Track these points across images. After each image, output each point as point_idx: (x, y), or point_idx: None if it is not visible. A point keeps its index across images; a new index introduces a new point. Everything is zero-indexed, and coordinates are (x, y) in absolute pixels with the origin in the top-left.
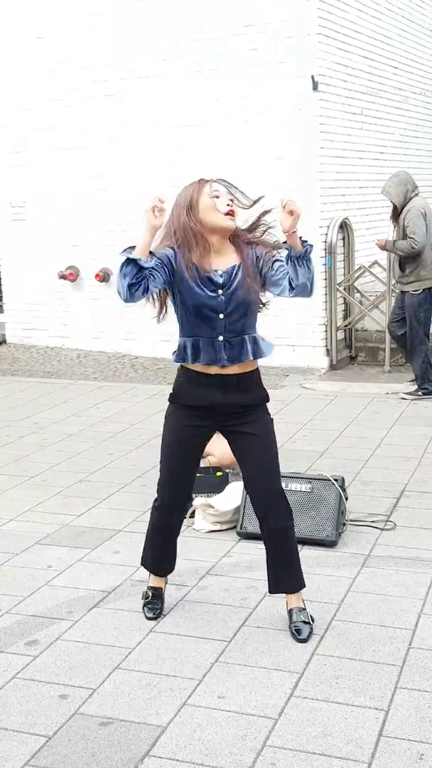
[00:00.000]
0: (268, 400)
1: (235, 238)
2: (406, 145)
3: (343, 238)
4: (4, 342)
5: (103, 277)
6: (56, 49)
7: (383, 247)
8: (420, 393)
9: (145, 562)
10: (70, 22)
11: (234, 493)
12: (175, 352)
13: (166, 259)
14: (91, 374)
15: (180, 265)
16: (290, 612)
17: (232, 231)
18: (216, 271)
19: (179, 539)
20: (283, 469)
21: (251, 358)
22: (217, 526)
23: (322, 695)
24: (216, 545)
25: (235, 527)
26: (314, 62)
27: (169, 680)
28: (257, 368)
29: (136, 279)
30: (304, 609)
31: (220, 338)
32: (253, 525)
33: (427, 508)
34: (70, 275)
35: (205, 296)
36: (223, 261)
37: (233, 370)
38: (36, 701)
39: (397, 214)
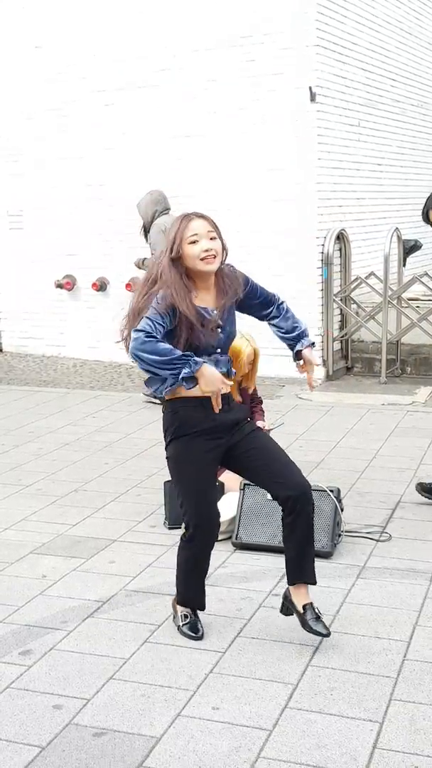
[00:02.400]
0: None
1: (222, 274)
2: (403, 157)
3: (340, 249)
4: (0, 350)
5: (100, 286)
6: (54, 59)
7: (137, 265)
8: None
9: (186, 602)
10: (68, 32)
11: (229, 504)
12: (163, 387)
13: (168, 317)
14: (87, 383)
15: (178, 313)
16: (305, 608)
17: (206, 275)
18: (207, 308)
19: (173, 550)
20: None
21: (230, 373)
22: None
23: (316, 707)
24: (211, 556)
25: (230, 538)
26: (312, 74)
27: (164, 691)
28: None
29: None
30: (313, 604)
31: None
32: (248, 536)
33: (422, 519)
34: (67, 284)
35: (208, 336)
36: (207, 299)
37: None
38: (30, 711)
39: (147, 231)
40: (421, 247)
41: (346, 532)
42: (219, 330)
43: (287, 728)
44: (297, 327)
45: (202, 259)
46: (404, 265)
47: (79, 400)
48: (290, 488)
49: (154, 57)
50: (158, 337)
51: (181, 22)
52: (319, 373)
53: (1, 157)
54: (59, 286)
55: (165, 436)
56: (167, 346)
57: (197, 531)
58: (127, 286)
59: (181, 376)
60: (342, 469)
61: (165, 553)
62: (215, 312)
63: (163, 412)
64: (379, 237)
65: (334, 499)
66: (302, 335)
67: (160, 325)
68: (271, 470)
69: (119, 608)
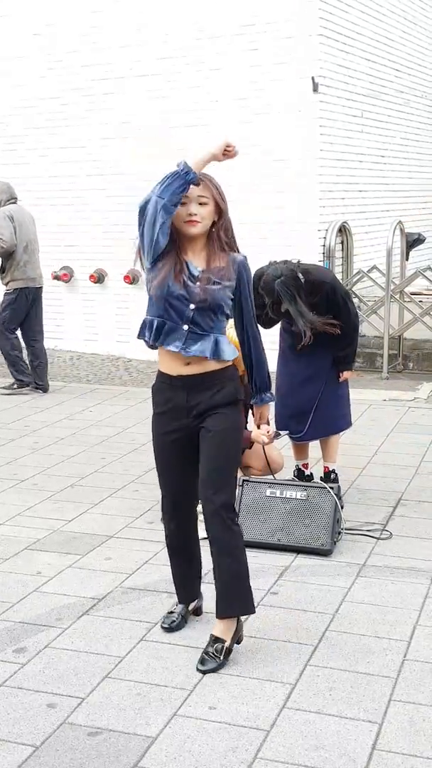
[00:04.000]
0: (234, 403)
1: (219, 240)
2: (407, 149)
3: (342, 242)
4: None
5: (98, 278)
6: (54, 47)
7: None
8: (15, 386)
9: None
10: (69, 19)
11: None
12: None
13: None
14: (84, 377)
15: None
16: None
17: (195, 237)
18: (192, 263)
19: None
20: (279, 476)
21: (210, 355)
22: None
23: (314, 707)
24: (210, 553)
25: None
26: (315, 63)
27: (160, 690)
28: (225, 368)
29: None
30: (222, 641)
31: (185, 327)
32: (247, 532)
33: (423, 517)
34: (64, 276)
35: (179, 284)
36: (197, 260)
37: (193, 370)
38: (23, 710)
39: None
40: (424, 240)
41: (347, 529)
42: (197, 284)
43: (285, 729)
44: (256, 380)
45: (185, 222)
46: (407, 258)
47: (75, 394)
48: (214, 499)
49: (155, 45)
50: None
51: (184, 10)
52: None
53: (0, 146)
54: (56, 277)
55: None
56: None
57: (162, 511)
58: (126, 278)
59: (180, 171)
60: (342, 465)
61: (162, 550)
62: (203, 272)
63: None
64: (381, 230)
65: (335, 496)
66: (264, 388)
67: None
68: (204, 469)
69: (115, 605)
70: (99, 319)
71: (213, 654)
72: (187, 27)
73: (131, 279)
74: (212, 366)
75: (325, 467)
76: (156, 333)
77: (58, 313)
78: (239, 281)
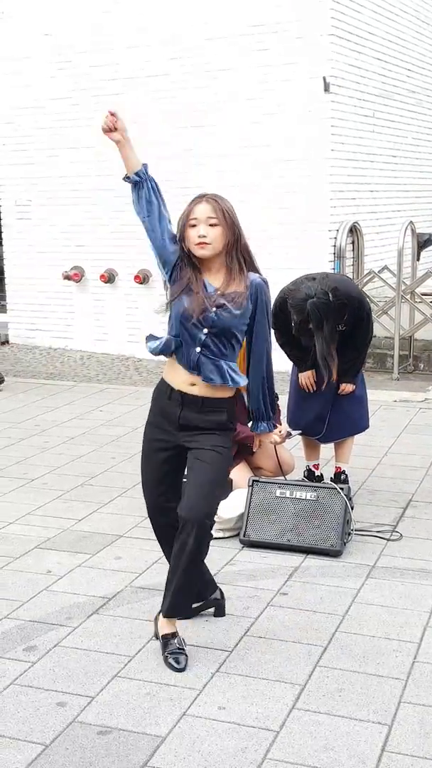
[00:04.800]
0: (226, 429)
1: (235, 261)
2: (418, 149)
3: (353, 243)
4: (7, 342)
5: (108, 278)
6: (64, 47)
7: None
8: None
9: None
10: (78, 19)
11: (237, 501)
12: (156, 345)
13: (171, 238)
14: (95, 376)
15: (179, 268)
16: (164, 638)
17: (205, 260)
18: (209, 283)
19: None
20: (289, 477)
21: (219, 381)
22: (220, 534)
23: (324, 708)
24: (219, 553)
25: (237, 535)
26: (326, 63)
27: (169, 690)
28: (229, 398)
29: (139, 193)
30: (176, 635)
31: (197, 350)
32: (256, 533)
33: None
34: (75, 276)
35: (195, 307)
36: (217, 280)
37: (198, 391)
38: (33, 708)
39: None
40: None
41: (356, 530)
42: (214, 308)
43: (294, 729)
44: (250, 406)
45: (196, 245)
46: (418, 259)
47: (85, 394)
48: (183, 508)
49: (165, 45)
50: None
51: (193, 9)
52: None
53: (10, 146)
54: (67, 277)
55: None
56: None
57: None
58: (136, 278)
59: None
60: (352, 466)
61: None
62: (218, 294)
63: None
64: (392, 230)
65: (345, 497)
66: (260, 417)
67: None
68: (187, 485)
69: (125, 605)
70: (109, 319)
71: (179, 649)
72: (196, 27)
73: (141, 279)
74: (218, 393)
75: (336, 467)
76: (173, 348)
77: (68, 312)
78: (255, 305)
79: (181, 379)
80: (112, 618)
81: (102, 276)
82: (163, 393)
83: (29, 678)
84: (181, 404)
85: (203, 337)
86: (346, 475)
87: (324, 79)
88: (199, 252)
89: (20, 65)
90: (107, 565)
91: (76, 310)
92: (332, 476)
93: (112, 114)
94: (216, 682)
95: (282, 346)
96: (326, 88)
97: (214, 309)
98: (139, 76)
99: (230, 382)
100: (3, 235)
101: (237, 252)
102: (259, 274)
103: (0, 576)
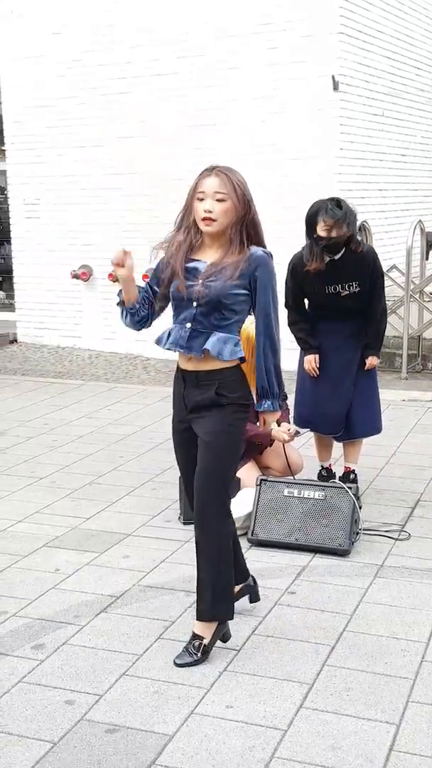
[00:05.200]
0: (220, 404)
1: (239, 235)
2: (428, 148)
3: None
4: (16, 341)
5: (116, 277)
6: (72, 46)
7: None
8: None
9: None
10: (86, 18)
11: (245, 500)
12: (159, 339)
13: (153, 279)
14: (103, 375)
15: (165, 264)
16: (193, 637)
17: (211, 234)
18: (204, 262)
19: (188, 545)
20: (298, 477)
21: (198, 353)
22: None
23: (332, 707)
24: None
25: (246, 534)
26: (335, 62)
27: (177, 688)
28: (221, 369)
29: (138, 318)
30: (201, 638)
31: (188, 325)
32: (264, 532)
33: None
34: (83, 274)
35: (185, 281)
36: (212, 254)
37: (193, 366)
38: (41, 706)
39: None
40: None
41: (365, 530)
42: (199, 281)
43: (302, 728)
44: (257, 383)
45: (202, 219)
46: (427, 258)
47: (94, 393)
48: (194, 501)
49: (173, 44)
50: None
51: (201, 8)
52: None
53: (18, 145)
54: (75, 276)
55: None
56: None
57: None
58: (144, 276)
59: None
60: (360, 465)
61: (179, 549)
62: (201, 261)
63: None
64: (401, 229)
65: (353, 497)
66: (264, 395)
67: (149, 289)
68: (196, 477)
69: (133, 603)
70: (117, 318)
71: (191, 650)
72: (205, 26)
73: (149, 277)
74: (209, 365)
75: (346, 467)
76: (167, 335)
77: (77, 311)
78: (253, 275)
79: (182, 357)
80: (120, 616)
81: (110, 275)
82: (176, 375)
83: (37, 676)
84: (184, 382)
85: (194, 312)
86: (356, 475)
87: (333, 77)
88: (204, 228)
89: (28, 64)
90: (115, 564)
91: (85, 309)
92: (341, 476)
93: (125, 252)
94: (224, 681)
95: (292, 325)
96: (335, 87)
97: (200, 281)
98: (146, 75)
99: (220, 355)
100: (11, 234)
101: (243, 226)
102: (263, 247)
103: (8, 574)
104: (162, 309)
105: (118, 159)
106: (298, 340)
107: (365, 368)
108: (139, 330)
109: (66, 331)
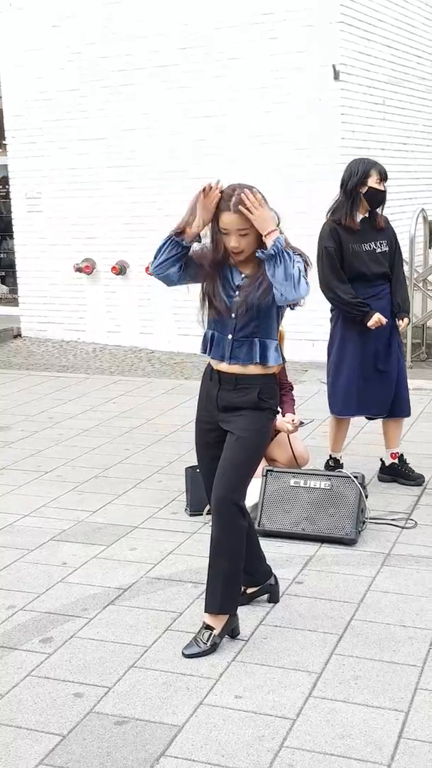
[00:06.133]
0: (259, 408)
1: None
2: (429, 137)
3: None
4: (19, 335)
5: (120, 270)
6: (73, 39)
7: None
8: None
9: None
10: (87, 11)
11: (251, 491)
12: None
13: (200, 254)
14: (107, 368)
15: (204, 256)
16: (203, 626)
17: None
18: (240, 273)
19: (194, 537)
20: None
21: (257, 360)
22: None
23: (340, 696)
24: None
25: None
26: (336, 51)
27: (186, 679)
28: (263, 375)
29: (169, 256)
30: (212, 629)
31: (229, 336)
32: (271, 522)
33: None
34: (86, 268)
35: (223, 295)
36: (247, 266)
37: (234, 369)
38: (50, 699)
39: None
40: None
41: (371, 519)
42: (236, 293)
43: (311, 717)
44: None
45: (232, 252)
46: (430, 247)
47: (98, 386)
48: (213, 495)
49: (174, 35)
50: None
51: None
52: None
53: (19, 139)
54: (78, 269)
55: None
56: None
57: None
58: (147, 269)
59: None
60: (366, 455)
61: (186, 540)
62: (241, 274)
63: None
64: (404, 218)
65: (359, 486)
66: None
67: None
68: (218, 471)
69: (140, 596)
70: (121, 311)
71: (201, 640)
72: (206, 16)
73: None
74: (251, 370)
75: (393, 454)
76: (210, 344)
77: (81, 305)
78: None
79: (216, 360)
80: (128, 609)
81: (113, 268)
82: (207, 374)
83: (46, 669)
84: (219, 384)
85: (234, 323)
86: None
87: (333, 67)
88: (236, 258)
89: (29, 57)
90: (122, 556)
91: (88, 303)
92: (394, 462)
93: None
94: (232, 671)
95: (340, 296)
96: (336, 76)
97: (239, 293)
98: (147, 66)
99: (266, 360)
100: (14, 228)
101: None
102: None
103: (15, 568)
104: (183, 282)
105: (120, 151)
106: (351, 307)
107: (399, 329)
108: (164, 279)
109: (70, 324)
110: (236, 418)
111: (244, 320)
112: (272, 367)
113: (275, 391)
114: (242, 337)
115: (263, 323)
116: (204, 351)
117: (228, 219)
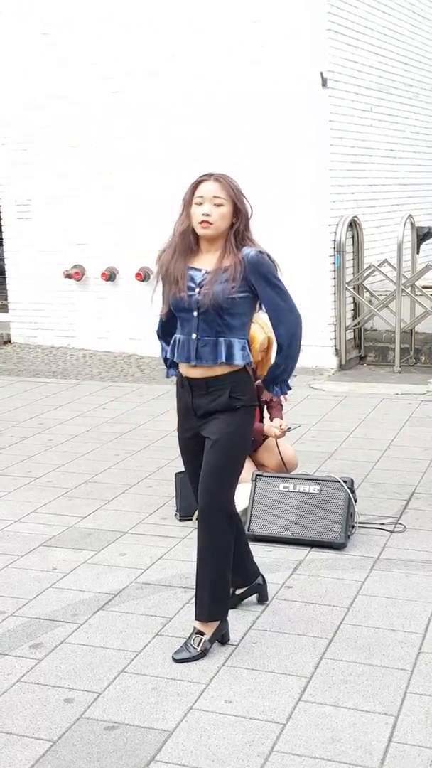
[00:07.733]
0: (233, 408)
1: (232, 240)
2: (416, 143)
3: (352, 237)
4: (9, 341)
5: (109, 276)
6: (62, 46)
7: None
8: None
9: None
10: (75, 18)
11: (241, 495)
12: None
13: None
14: (97, 374)
15: (165, 274)
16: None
17: (209, 238)
18: (199, 270)
19: (184, 542)
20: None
21: (222, 360)
22: None
23: (330, 700)
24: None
25: None
26: (323, 58)
27: (176, 684)
28: (232, 372)
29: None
30: (202, 634)
31: (194, 336)
32: (260, 527)
33: None
34: (76, 274)
35: (182, 294)
36: (208, 261)
37: (200, 373)
38: (40, 705)
39: None
40: None
41: (360, 523)
42: (197, 290)
43: (301, 722)
44: (275, 369)
45: (199, 223)
46: (418, 252)
47: (88, 392)
48: (198, 503)
49: (162, 42)
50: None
51: (191, 6)
52: (332, 362)
53: (9, 146)
54: (68, 276)
55: None
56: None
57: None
58: (137, 275)
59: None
60: (355, 459)
61: (176, 546)
62: (206, 274)
63: None
64: (392, 224)
65: (348, 490)
66: (274, 380)
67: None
68: (200, 479)
69: (130, 601)
70: (111, 317)
71: (191, 645)
72: (195, 24)
73: (142, 276)
74: (218, 370)
75: None
76: (173, 347)
77: (70, 311)
78: (254, 279)
79: (185, 365)
80: (118, 614)
81: (103, 274)
82: (178, 383)
83: (36, 675)
84: (191, 390)
85: (196, 321)
86: None
87: (321, 74)
88: (201, 231)
89: (19, 64)
90: (112, 562)
91: (78, 309)
92: None
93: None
94: (222, 676)
95: None
96: (324, 84)
97: (199, 289)
98: (138, 73)
99: (232, 359)
100: (4, 234)
101: (238, 231)
102: (254, 247)
103: (5, 574)
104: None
105: (111, 158)
106: None
107: None
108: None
109: (60, 330)
110: (212, 422)
111: (206, 318)
112: (240, 365)
113: (248, 386)
114: (206, 337)
115: (228, 322)
116: (165, 357)
117: (206, 187)
